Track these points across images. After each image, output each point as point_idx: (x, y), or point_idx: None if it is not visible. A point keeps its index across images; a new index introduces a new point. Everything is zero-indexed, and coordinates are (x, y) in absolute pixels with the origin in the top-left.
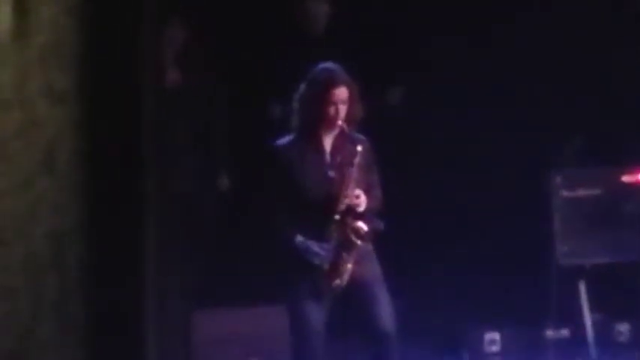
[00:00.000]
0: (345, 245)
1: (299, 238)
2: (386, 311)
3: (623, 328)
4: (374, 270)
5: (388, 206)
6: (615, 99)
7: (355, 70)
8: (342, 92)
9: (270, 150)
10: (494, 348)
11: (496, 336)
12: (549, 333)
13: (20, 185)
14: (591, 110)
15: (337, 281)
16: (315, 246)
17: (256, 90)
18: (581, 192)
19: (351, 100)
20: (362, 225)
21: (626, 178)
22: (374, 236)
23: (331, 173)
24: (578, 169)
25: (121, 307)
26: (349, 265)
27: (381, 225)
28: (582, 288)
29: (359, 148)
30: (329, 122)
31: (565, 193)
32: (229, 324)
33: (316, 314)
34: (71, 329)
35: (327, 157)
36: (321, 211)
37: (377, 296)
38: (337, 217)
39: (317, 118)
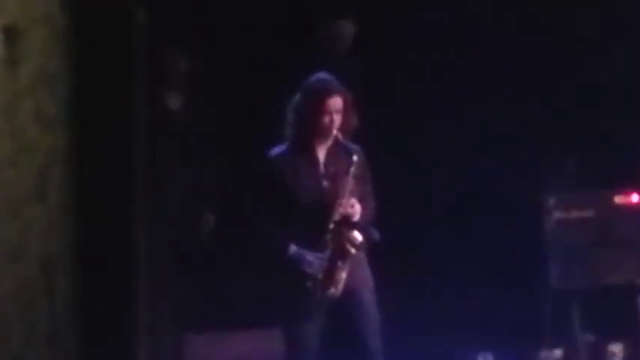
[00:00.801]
0: (339, 254)
1: (293, 249)
2: (374, 329)
3: (617, 349)
4: (366, 280)
5: (380, 225)
6: (609, 121)
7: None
8: (336, 102)
9: (263, 160)
10: None
11: (489, 357)
12: (543, 354)
13: (11, 211)
14: (584, 132)
15: (332, 290)
16: (309, 255)
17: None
18: (575, 214)
19: (345, 110)
20: (357, 234)
21: (619, 200)
22: (369, 246)
23: (325, 183)
24: (571, 191)
25: (112, 333)
26: (344, 274)
27: (376, 235)
28: (575, 308)
29: (355, 158)
30: (323, 132)
31: (558, 215)
32: (220, 348)
33: (311, 329)
34: (62, 355)
35: (321, 167)
36: (316, 220)
37: (366, 312)
38: (332, 226)
39: (311, 127)
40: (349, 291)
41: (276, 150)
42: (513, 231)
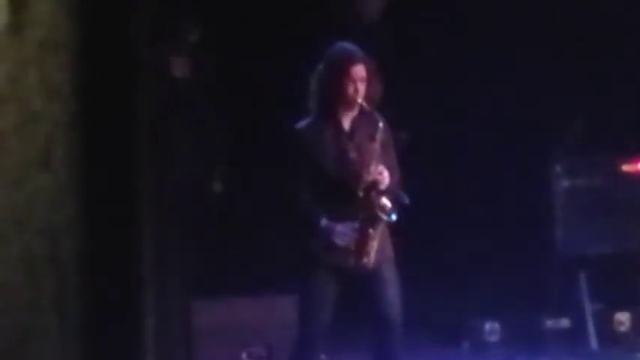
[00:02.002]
0: (370, 222)
1: (324, 222)
2: (393, 297)
3: (624, 317)
4: (387, 251)
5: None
6: (616, 87)
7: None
8: (360, 70)
9: (289, 133)
10: (495, 337)
11: (496, 325)
12: (550, 322)
13: (16, 180)
14: (591, 99)
15: (365, 259)
16: (339, 226)
17: (263, 93)
18: (582, 181)
19: (369, 78)
20: (386, 200)
21: (626, 167)
22: (400, 211)
23: (352, 152)
24: (578, 158)
25: (119, 301)
26: (375, 243)
27: (406, 199)
28: (582, 277)
29: (380, 124)
30: (348, 100)
31: (565, 183)
32: (229, 314)
33: (327, 304)
34: (69, 324)
35: (347, 136)
36: (345, 189)
37: (387, 280)
38: (361, 194)
39: (336, 96)
40: (373, 267)
41: (302, 123)
42: (521, 199)
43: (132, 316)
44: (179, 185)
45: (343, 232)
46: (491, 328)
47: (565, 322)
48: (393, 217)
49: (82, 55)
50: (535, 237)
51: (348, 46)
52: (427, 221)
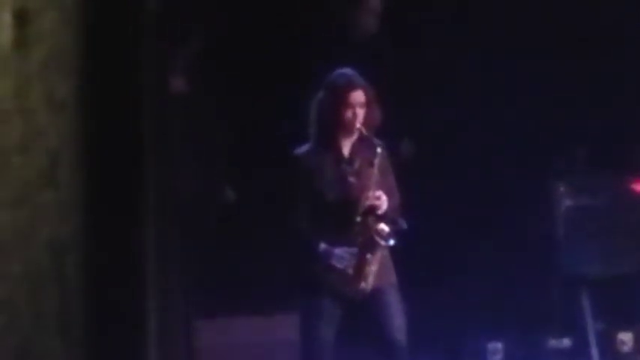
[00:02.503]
0: (368, 247)
1: (322, 246)
2: (398, 321)
3: (626, 337)
4: (390, 276)
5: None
6: (619, 107)
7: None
8: (359, 95)
9: (289, 159)
10: (497, 358)
11: (499, 346)
12: (552, 342)
13: (21, 196)
14: (595, 118)
15: (363, 284)
16: (338, 250)
17: (266, 101)
18: (585, 201)
19: (368, 104)
20: (384, 226)
21: (630, 187)
22: (398, 236)
23: (351, 178)
24: (581, 177)
25: (122, 318)
26: (373, 268)
27: (404, 224)
28: (585, 297)
29: (379, 150)
30: (347, 126)
31: (568, 202)
32: (233, 333)
33: (329, 324)
34: (72, 340)
35: (347, 162)
36: (343, 215)
37: (390, 305)
38: (359, 219)
39: (335, 122)
40: (374, 288)
41: (301, 148)
42: (524, 218)
43: (135, 335)
44: (184, 201)
45: (341, 256)
46: (493, 349)
47: (567, 342)
48: (391, 242)
49: (86, 70)
50: (538, 256)
51: (347, 72)
52: (428, 241)
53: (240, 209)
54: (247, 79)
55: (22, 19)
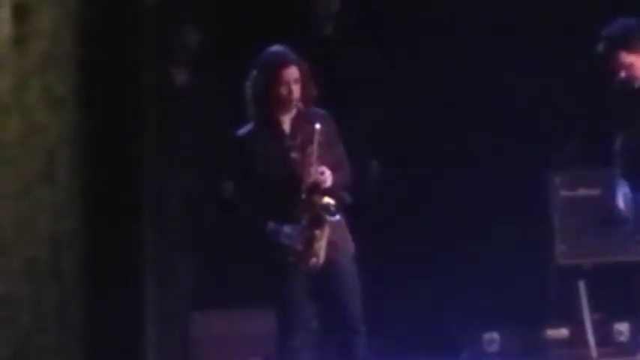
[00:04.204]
0: (315, 223)
1: (270, 225)
2: (354, 295)
3: (623, 327)
4: (344, 247)
5: (386, 205)
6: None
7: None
8: (292, 72)
9: (230, 140)
10: (493, 348)
11: (495, 336)
12: (549, 333)
13: (19, 191)
14: (590, 109)
15: (313, 259)
16: (286, 228)
17: None
18: (581, 192)
19: (303, 80)
20: (329, 200)
21: None
22: (342, 210)
23: (293, 154)
24: (577, 168)
25: (120, 314)
26: (323, 243)
27: (348, 198)
28: (582, 287)
29: (317, 126)
30: (284, 103)
31: (564, 193)
32: (229, 325)
33: (302, 303)
34: (71, 335)
35: (288, 139)
36: (288, 193)
37: (345, 280)
38: (304, 195)
39: (271, 100)
40: (327, 260)
41: (243, 129)
42: (519, 209)
43: (133, 329)
44: (183, 197)
45: (289, 234)
46: (489, 339)
47: (564, 332)
48: (337, 216)
49: (85, 66)
50: (534, 247)
51: (279, 49)
52: (425, 231)
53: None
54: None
55: (20, 14)
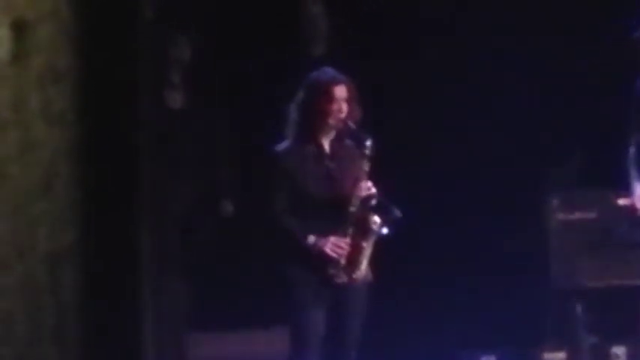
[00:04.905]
0: (362, 236)
1: (312, 238)
2: (360, 322)
3: (620, 351)
4: (367, 275)
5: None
6: (612, 121)
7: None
8: (342, 90)
9: (270, 157)
10: None
11: (492, 358)
12: (546, 355)
13: (17, 207)
14: (587, 133)
15: (357, 272)
16: (334, 239)
17: (262, 111)
18: (578, 215)
19: (350, 99)
20: (376, 216)
21: (622, 201)
22: (390, 225)
23: (335, 172)
24: (574, 191)
25: (117, 330)
26: (366, 257)
27: (398, 213)
28: (579, 311)
29: (368, 142)
30: (333, 120)
31: (561, 216)
32: (224, 348)
33: (319, 318)
34: (68, 350)
35: (329, 157)
36: (330, 209)
37: (359, 305)
38: (353, 209)
39: (321, 118)
40: (349, 283)
41: (281, 146)
42: (516, 231)
43: (130, 346)
44: (181, 212)
45: (337, 245)
46: None
47: (561, 356)
48: (384, 230)
49: (84, 82)
50: (531, 270)
51: (329, 69)
52: (422, 253)
53: (238, 221)
54: (246, 89)
55: (19, 30)
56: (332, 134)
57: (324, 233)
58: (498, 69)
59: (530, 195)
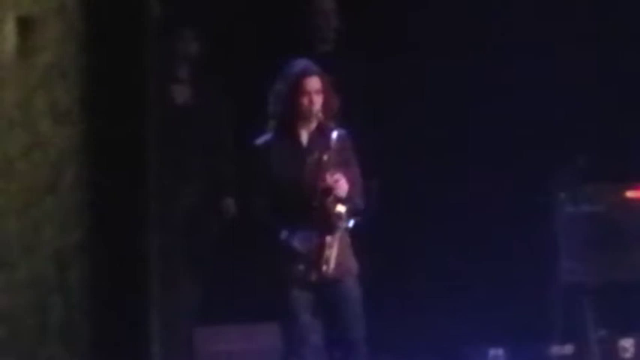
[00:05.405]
0: (327, 229)
1: (284, 233)
2: (355, 316)
3: (628, 344)
4: (349, 269)
5: (388, 220)
6: (619, 114)
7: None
8: (314, 82)
9: (250, 149)
10: None
11: (500, 352)
12: (554, 349)
13: (24, 205)
14: (595, 126)
15: (324, 267)
16: (299, 234)
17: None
18: (586, 208)
19: (325, 91)
20: (341, 207)
21: (630, 194)
22: (358, 217)
23: (310, 164)
24: (582, 185)
25: (124, 328)
26: (334, 250)
27: (361, 204)
28: (587, 304)
29: (334, 134)
30: (304, 113)
31: (569, 210)
32: (233, 341)
33: (305, 309)
34: (76, 348)
35: (305, 149)
36: (302, 200)
37: (348, 298)
38: (316, 203)
39: (292, 109)
40: (333, 279)
41: (261, 138)
42: (524, 226)
43: (138, 341)
44: (187, 210)
45: (303, 239)
46: (494, 355)
47: (569, 349)
48: (350, 223)
49: (90, 79)
50: (539, 264)
51: (302, 61)
52: (431, 248)
53: (241, 219)
54: (251, 86)
55: (26, 28)
56: (312, 125)
57: (296, 227)
58: (508, 62)
59: (538, 189)
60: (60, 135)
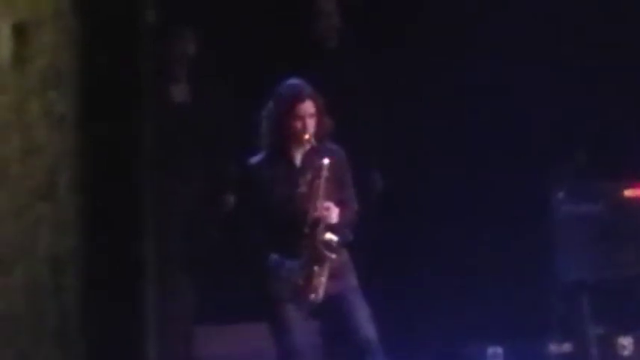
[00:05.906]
0: (315, 259)
1: (273, 257)
2: (365, 319)
3: (627, 341)
4: (349, 282)
5: (387, 218)
6: (618, 113)
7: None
8: (308, 106)
9: (242, 170)
10: None
11: (499, 350)
12: (552, 347)
13: (20, 209)
14: (593, 124)
15: (312, 295)
16: (288, 263)
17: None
18: (583, 207)
19: (318, 114)
20: (332, 237)
21: (628, 193)
22: (345, 248)
23: (302, 189)
24: (580, 183)
25: (120, 333)
26: (323, 279)
27: (349, 236)
28: (585, 302)
29: (325, 161)
30: (297, 137)
31: (567, 208)
32: (231, 341)
33: (302, 332)
34: (71, 351)
35: (297, 173)
36: (293, 226)
37: (354, 306)
38: (306, 230)
39: (285, 133)
40: (333, 294)
41: (254, 158)
42: (522, 224)
43: (133, 346)
44: (184, 212)
45: (290, 268)
46: (493, 353)
47: (567, 347)
48: (333, 256)
49: (86, 85)
50: (537, 262)
51: (295, 82)
52: (428, 246)
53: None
54: (249, 83)
55: (21, 33)
56: (306, 147)
57: (287, 252)
58: (507, 62)
59: (535, 187)
60: (55, 140)
